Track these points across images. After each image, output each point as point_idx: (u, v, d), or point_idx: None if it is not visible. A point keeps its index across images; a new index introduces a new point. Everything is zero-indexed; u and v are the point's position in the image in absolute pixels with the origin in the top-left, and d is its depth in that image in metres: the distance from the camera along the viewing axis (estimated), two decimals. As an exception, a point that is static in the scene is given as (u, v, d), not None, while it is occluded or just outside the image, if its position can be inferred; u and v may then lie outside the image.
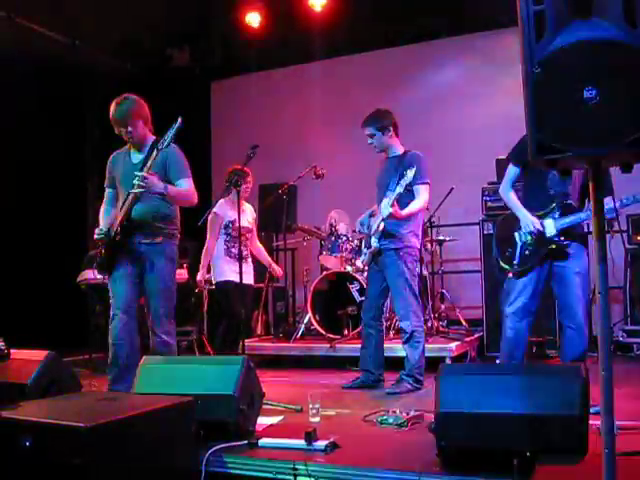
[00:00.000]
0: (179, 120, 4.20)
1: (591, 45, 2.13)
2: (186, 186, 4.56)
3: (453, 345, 6.12)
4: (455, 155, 7.98)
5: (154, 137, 4.63)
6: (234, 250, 5.90)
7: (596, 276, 2.37)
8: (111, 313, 4.59)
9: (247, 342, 5.54)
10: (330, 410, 4.32)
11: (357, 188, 5.68)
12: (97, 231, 4.59)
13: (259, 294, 7.71)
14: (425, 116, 8.44)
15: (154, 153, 4.30)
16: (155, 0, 7.89)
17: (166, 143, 4.22)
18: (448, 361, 5.84)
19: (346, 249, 7.06)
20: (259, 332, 8.06)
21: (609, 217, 3.84)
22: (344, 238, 7.05)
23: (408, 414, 3.89)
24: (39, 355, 4.24)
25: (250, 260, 6.15)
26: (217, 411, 3.48)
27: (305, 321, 7.06)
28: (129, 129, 4.53)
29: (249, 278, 5.98)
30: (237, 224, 5.71)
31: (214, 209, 5.93)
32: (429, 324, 6.85)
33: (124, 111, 4.50)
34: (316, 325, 6.78)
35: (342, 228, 7.14)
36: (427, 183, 5.14)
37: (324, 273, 7.04)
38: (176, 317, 4.69)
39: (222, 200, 5.94)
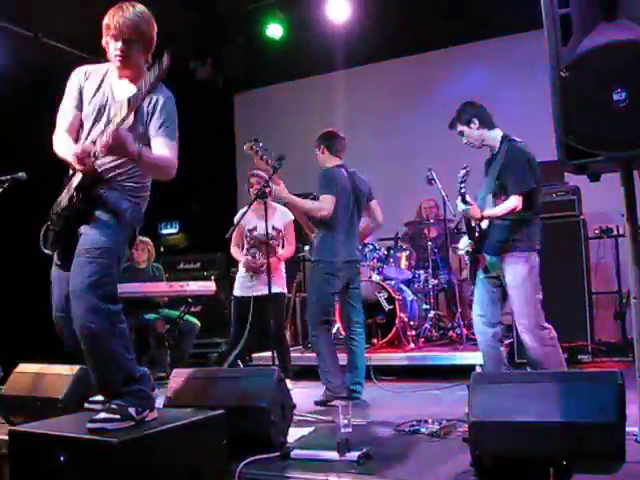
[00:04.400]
0: (165, 59, 2.81)
1: (619, 47, 2.10)
2: (167, 152, 3.25)
3: (483, 352, 6.07)
4: (483, 160, 7.92)
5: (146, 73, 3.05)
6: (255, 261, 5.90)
7: (631, 281, 2.33)
8: None
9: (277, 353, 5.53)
10: (362, 420, 4.30)
11: (381, 197, 5.65)
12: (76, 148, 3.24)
13: (287, 304, 7.70)
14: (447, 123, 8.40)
15: (124, 108, 2.98)
16: (178, 14, 7.96)
17: (142, 95, 2.93)
18: (478, 369, 5.78)
19: (373, 258, 7.02)
20: (288, 342, 8.04)
21: None
22: (371, 247, 7.01)
23: (440, 423, 3.86)
24: (71, 370, 4.28)
25: (276, 270, 5.91)
26: (248, 423, 3.47)
27: (334, 331, 7.03)
28: (123, 46, 3.28)
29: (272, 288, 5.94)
30: (255, 232, 5.77)
31: (235, 217, 5.91)
32: (458, 331, 6.80)
33: (129, 20, 3.26)
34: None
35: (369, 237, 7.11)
36: None
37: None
38: (206, 329, 4.54)
39: (244, 209, 5.82)
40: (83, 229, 3.24)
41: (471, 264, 4.52)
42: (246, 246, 5.98)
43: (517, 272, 4.18)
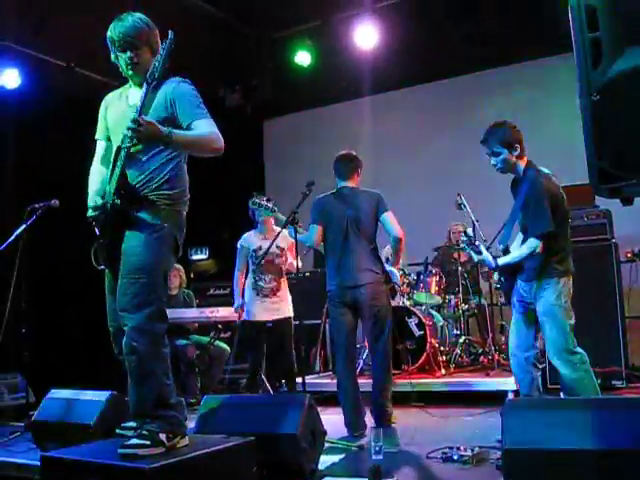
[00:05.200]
0: (170, 35, 3.10)
1: (650, 70, 2.09)
2: (205, 128, 3.31)
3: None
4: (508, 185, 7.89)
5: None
6: (261, 283, 5.94)
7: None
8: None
9: (307, 379, 5.50)
10: (392, 447, 4.26)
11: (410, 223, 5.62)
12: (91, 204, 3.44)
13: (317, 330, 7.69)
14: (476, 147, 8.38)
15: (144, 87, 3.19)
16: (207, 42, 8.08)
17: (158, 70, 3.12)
18: (510, 395, 5.71)
19: (403, 283, 6.99)
20: (318, 369, 8.02)
21: None
22: (400, 272, 6.98)
23: (473, 451, 3.81)
24: (102, 395, 4.30)
25: (283, 294, 6.09)
26: (279, 450, 3.46)
27: (364, 356, 7.00)
28: (132, 54, 3.36)
29: (284, 312, 6.04)
30: (259, 252, 5.87)
31: (240, 241, 6.09)
32: (489, 357, 6.73)
33: (130, 29, 3.33)
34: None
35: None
36: None
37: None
38: (235, 355, 4.55)
39: (248, 233, 6.09)
40: (124, 247, 3.29)
41: (504, 290, 4.49)
42: (251, 267, 6.05)
43: (547, 298, 4.14)
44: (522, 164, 4.27)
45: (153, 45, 3.41)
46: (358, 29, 8.20)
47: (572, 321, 4.12)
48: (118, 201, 3.26)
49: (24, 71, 7.42)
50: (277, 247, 5.95)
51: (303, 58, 8.96)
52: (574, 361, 4.08)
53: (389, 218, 5.13)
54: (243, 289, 6.12)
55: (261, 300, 5.97)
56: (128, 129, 3.07)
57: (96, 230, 3.42)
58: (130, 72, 3.42)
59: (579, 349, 4.13)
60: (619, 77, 2.13)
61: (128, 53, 3.35)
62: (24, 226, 5.45)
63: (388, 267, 5.36)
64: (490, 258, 4.26)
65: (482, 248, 4.31)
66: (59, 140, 7.30)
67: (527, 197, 4.13)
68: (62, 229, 6.38)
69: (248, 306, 6.05)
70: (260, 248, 5.96)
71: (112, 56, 3.43)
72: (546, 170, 4.27)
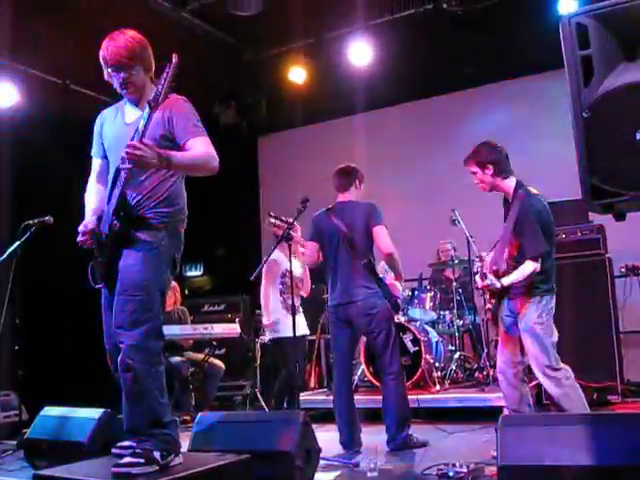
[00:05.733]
0: (174, 59, 3.05)
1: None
2: (200, 148, 3.32)
3: (511, 394, 5.98)
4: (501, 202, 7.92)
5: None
6: (289, 302, 5.92)
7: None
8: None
9: (302, 396, 5.49)
10: (388, 464, 4.24)
11: (404, 239, 5.64)
12: (81, 228, 3.42)
13: (311, 346, 7.68)
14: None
15: (146, 111, 3.13)
16: (202, 58, 8.11)
17: (161, 95, 3.06)
18: (505, 411, 5.69)
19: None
20: (312, 385, 8.00)
21: None
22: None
23: (468, 467, 3.79)
24: (95, 413, 4.28)
25: (302, 311, 6.19)
26: (274, 468, 3.44)
27: (359, 373, 6.99)
28: (125, 74, 3.34)
29: (303, 329, 6.09)
30: (291, 274, 5.78)
31: (272, 256, 5.84)
32: (484, 372, 6.72)
33: (123, 49, 3.30)
34: (370, 377, 6.70)
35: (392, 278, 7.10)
36: None
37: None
38: (231, 372, 4.53)
39: (278, 251, 5.90)
40: (122, 264, 3.28)
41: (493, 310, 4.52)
42: (280, 287, 6.07)
43: (529, 316, 4.19)
44: (508, 183, 4.34)
45: (147, 63, 3.41)
46: (352, 46, 8.23)
47: (554, 338, 4.16)
48: (117, 223, 3.26)
49: (20, 88, 7.43)
50: (299, 272, 6.01)
51: (298, 75, 8.99)
52: (558, 377, 4.11)
53: (379, 233, 5.05)
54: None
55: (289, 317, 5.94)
56: (127, 155, 3.05)
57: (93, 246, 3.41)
58: (125, 91, 3.41)
59: (562, 365, 4.17)
60: (610, 94, 2.15)
61: (122, 73, 3.34)
62: (18, 242, 5.45)
63: (390, 280, 5.32)
64: (495, 280, 4.28)
65: (489, 275, 4.31)
66: (54, 157, 7.31)
67: (518, 218, 4.20)
68: (57, 245, 6.37)
69: (282, 323, 5.99)
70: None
71: (105, 75, 3.41)
72: (534, 190, 4.33)
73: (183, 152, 3.29)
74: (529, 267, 4.13)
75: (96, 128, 3.60)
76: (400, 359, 5.15)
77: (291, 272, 5.27)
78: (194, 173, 3.44)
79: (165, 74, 3.02)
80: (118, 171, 3.28)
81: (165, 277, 3.37)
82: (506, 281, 4.23)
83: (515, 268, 4.24)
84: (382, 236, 5.05)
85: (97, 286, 3.44)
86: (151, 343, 3.20)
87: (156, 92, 3.05)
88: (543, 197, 4.34)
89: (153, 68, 3.44)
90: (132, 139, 3.12)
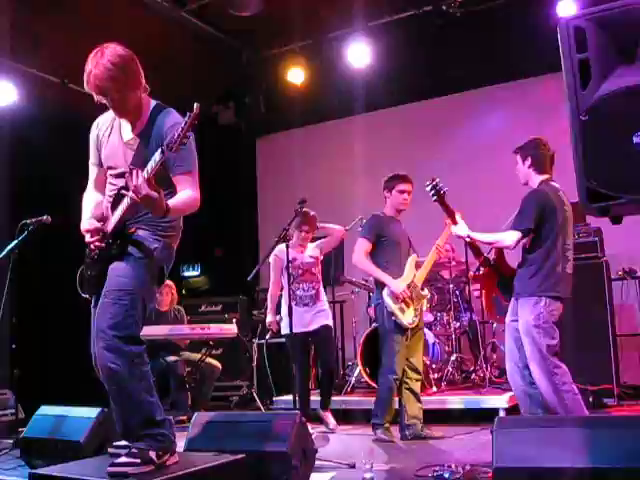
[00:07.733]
0: (195, 109, 2.88)
1: (638, 91, 2.11)
2: (189, 191, 3.25)
3: (506, 396, 5.97)
4: (506, 203, 7.93)
5: (154, 103, 3.41)
6: (299, 292, 5.92)
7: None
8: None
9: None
10: (383, 465, 4.25)
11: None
12: (87, 224, 3.38)
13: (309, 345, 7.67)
14: (470, 165, 8.43)
15: (157, 157, 3.01)
16: (200, 60, 8.12)
17: (176, 142, 2.90)
18: (502, 413, 5.70)
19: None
20: (311, 386, 7.98)
21: None
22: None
23: (464, 469, 3.80)
24: (92, 412, 4.28)
25: (323, 299, 6.14)
26: (270, 468, 3.44)
27: (355, 374, 6.99)
28: (112, 97, 3.23)
29: (324, 319, 6.03)
30: (296, 262, 5.84)
31: (274, 252, 5.87)
32: (481, 374, 6.72)
33: (105, 80, 3.17)
34: (367, 378, 6.69)
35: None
36: None
37: (374, 325, 6.97)
38: (227, 372, 4.51)
39: (281, 245, 5.72)
40: (111, 268, 3.29)
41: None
42: (288, 279, 6.01)
43: (525, 318, 4.21)
44: (536, 179, 4.52)
45: (134, 79, 3.27)
46: (351, 47, 8.25)
47: (552, 342, 4.15)
48: (114, 245, 3.29)
49: (19, 87, 7.43)
50: (311, 257, 6.10)
51: (296, 76, 9.00)
52: (553, 381, 4.11)
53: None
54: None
55: (302, 309, 5.95)
56: (136, 197, 2.97)
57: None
58: (115, 112, 3.35)
59: (558, 370, 4.15)
60: (607, 97, 2.15)
61: (109, 97, 3.23)
62: (16, 241, 5.44)
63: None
64: (464, 228, 4.52)
65: (458, 217, 4.61)
66: (53, 156, 7.31)
67: (522, 201, 4.38)
68: (55, 244, 6.38)
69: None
70: (296, 259, 5.98)
71: (94, 97, 3.29)
72: (556, 184, 4.48)
73: (177, 199, 3.20)
74: (506, 234, 4.30)
75: (92, 136, 3.55)
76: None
77: (289, 262, 5.42)
78: (180, 215, 3.41)
79: (184, 123, 2.88)
80: (121, 194, 3.25)
81: (151, 289, 3.39)
82: (476, 235, 4.47)
83: (524, 259, 4.38)
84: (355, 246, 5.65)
85: (84, 295, 3.47)
86: (131, 347, 3.18)
87: (171, 137, 2.92)
88: (558, 193, 4.42)
89: (142, 82, 3.31)
90: (134, 166, 3.06)
